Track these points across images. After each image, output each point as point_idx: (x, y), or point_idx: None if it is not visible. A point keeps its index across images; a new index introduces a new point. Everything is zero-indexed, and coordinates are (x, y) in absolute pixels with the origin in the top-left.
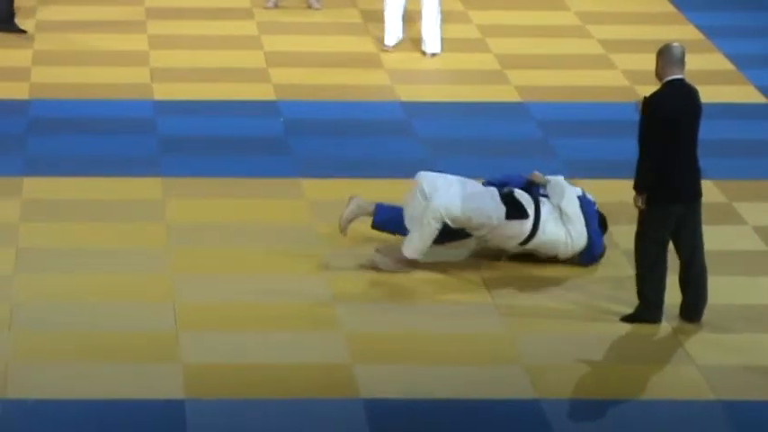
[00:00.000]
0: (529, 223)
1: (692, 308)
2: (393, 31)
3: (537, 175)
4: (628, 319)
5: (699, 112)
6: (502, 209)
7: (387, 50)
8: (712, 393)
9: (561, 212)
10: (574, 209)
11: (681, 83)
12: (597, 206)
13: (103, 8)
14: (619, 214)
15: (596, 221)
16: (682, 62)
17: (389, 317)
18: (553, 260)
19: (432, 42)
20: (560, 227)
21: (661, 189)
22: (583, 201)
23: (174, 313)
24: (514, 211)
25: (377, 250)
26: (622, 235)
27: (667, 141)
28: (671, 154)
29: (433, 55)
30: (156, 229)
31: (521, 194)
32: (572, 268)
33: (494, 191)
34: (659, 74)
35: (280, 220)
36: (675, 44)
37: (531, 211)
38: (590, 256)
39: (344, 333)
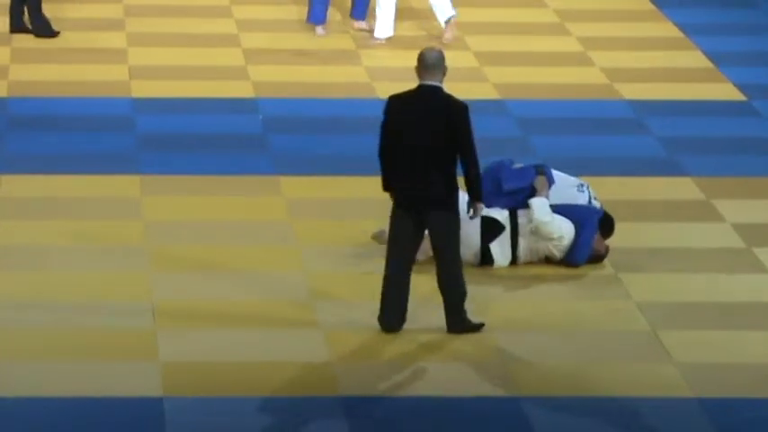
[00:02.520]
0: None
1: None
2: (386, 26)
3: (541, 183)
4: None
5: (426, 125)
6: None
7: (375, 45)
8: (690, 391)
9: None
10: (545, 221)
11: (425, 89)
12: (601, 212)
13: (82, 6)
14: None
15: (591, 231)
16: (434, 68)
17: (368, 315)
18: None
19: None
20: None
21: (394, 192)
22: (582, 208)
23: (152, 311)
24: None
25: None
26: None
27: (389, 142)
28: (395, 157)
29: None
30: (133, 226)
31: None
32: (551, 267)
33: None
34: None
35: (258, 218)
36: (432, 50)
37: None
38: (572, 259)
39: (323, 331)
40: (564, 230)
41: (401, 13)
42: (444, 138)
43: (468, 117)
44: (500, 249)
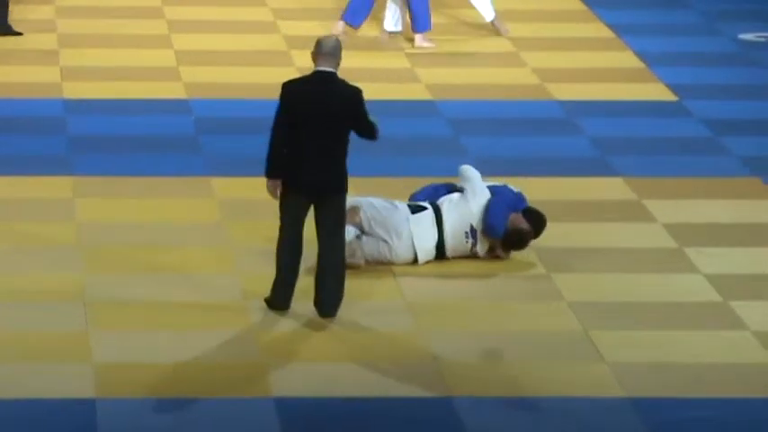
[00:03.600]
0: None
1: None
2: (394, 17)
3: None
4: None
5: (324, 109)
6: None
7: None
8: (622, 390)
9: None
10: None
11: (320, 75)
12: (526, 202)
13: (13, 7)
14: None
15: (504, 198)
16: (330, 55)
17: (301, 315)
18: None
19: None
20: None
21: (287, 176)
22: (501, 187)
23: (84, 312)
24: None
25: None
26: None
27: (283, 128)
28: (291, 142)
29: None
30: (66, 228)
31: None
32: (485, 265)
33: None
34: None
35: (190, 219)
36: (329, 37)
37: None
38: (488, 225)
39: (256, 331)
40: (477, 180)
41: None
42: (340, 122)
43: (363, 100)
44: (422, 229)
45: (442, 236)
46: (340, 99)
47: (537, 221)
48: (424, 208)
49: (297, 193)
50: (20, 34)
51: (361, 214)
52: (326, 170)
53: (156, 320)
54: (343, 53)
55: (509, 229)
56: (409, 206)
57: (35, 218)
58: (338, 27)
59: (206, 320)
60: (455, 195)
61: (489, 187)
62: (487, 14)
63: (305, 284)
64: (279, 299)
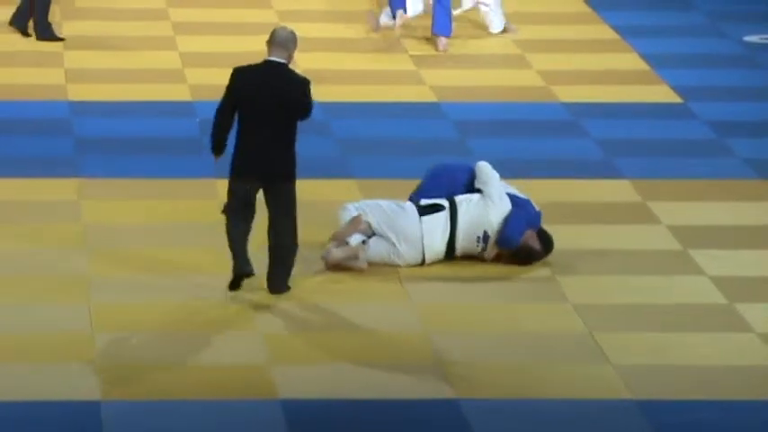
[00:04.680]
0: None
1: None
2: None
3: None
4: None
5: (271, 98)
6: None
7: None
8: (628, 392)
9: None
10: (491, 186)
11: (270, 64)
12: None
13: (14, 9)
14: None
15: (524, 213)
16: (282, 46)
17: (307, 317)
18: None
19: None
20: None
21: (234, 160)
22: (522, 198)
23: (89, 314)
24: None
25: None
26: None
27: (229, 112)
28: (240, 129)
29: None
30: (71, 229)
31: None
32: (490, 267)
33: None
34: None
35: (195, 221)
36: (284, 29)
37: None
38: (503, 236)
39: (262, 334)
40: (497, 184)
41: (344, 16)
42: (287, 111)
43: (310, 91)
44: (433, 231)
45: (453, 235)
46: (288, 88)
47: (548, 244)
48: (440, 208)
49: (246, 180)
50: (62, 40)
51: (368, 219)
52: (274, 157)
53: (162, 322)
54: (348, 56)
55: (521, 245)
56: (423, 206)
57: (40, 219)
58: (397, 20)
59: (212, 322)
60: (475, 197)
61: (511, 196)
62: (496, 27)
63: (308, 285)
64: (236, 271)
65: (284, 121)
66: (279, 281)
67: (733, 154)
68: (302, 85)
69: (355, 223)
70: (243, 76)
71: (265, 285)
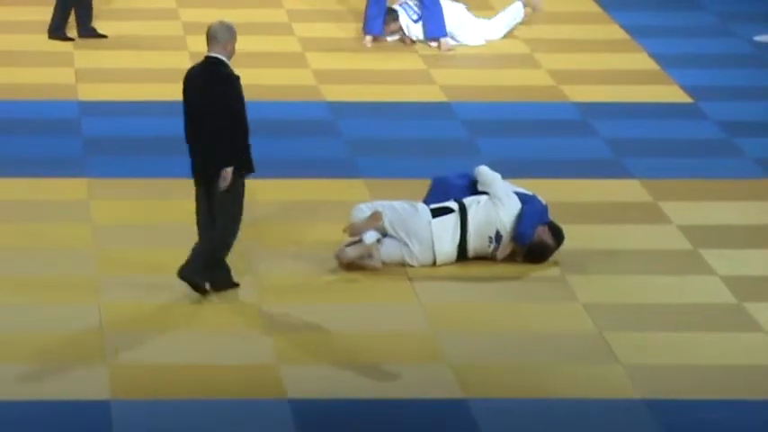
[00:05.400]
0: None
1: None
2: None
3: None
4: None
5: (199, 95)
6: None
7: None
8: (637, 392)
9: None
10: (499, 189)
11: (205, 61)
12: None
13: (28, 8)
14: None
15: (535, 207)
16: (214, 39)
17: (315, 316)
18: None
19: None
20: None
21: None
22: (528, 194)
23: (99, 314)
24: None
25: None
26: None
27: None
28: (186, 128)
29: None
30: (81, 229)
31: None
32: (500, 267)
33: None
34: None
35: None
36: (219, 23)
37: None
38: (518, 233)
39: (271, 333)
40: (500, 185)
41: (347, 15)
42: (207, 108)
43: (235, 87)
44: (444, 233)
45: (464, 237)
46: (213, 84)
47: (559, 236)
48: (449, 210)
49: (196, 181)
50: (105, 37)
51: (384, 219)
52: (205, 154)
53: (172, 322)
54: (358, 55)
55: (534, 241)
56: (432, 209)
57: (50, 219)
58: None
59: (221, 322)
60: (483, 198)
61: (519, 194)
62: (498, 33)
63: (318, 284)
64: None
65: (217, 116)
66: (187, 271)
67: (743, 154)
68: (226, 79)
69: (374, 219)
70: (186, 76)
71: (267, 286)
